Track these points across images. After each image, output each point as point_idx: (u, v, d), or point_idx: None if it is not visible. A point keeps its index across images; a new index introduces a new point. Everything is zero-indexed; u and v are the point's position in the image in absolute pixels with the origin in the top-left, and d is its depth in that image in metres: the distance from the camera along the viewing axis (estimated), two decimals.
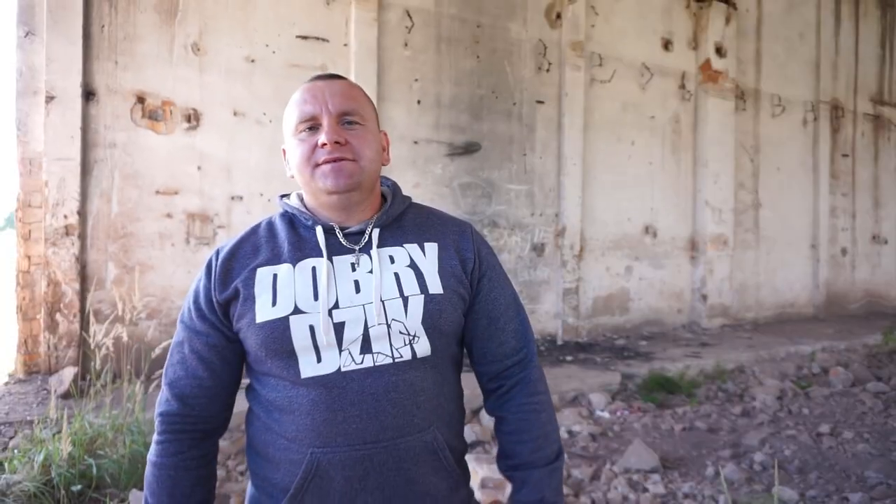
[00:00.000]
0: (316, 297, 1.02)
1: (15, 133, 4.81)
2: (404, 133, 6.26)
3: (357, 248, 1.08)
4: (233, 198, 5.46)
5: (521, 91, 6.99)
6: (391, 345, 1.02)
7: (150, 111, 5.16)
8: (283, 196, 1.20)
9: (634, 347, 6.92)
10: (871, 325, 8.67)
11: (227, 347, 1.08)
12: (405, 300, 1.04)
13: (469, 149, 6.67)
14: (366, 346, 1.01)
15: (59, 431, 3.28)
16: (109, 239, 5.01)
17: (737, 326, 8.43)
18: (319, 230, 1.09)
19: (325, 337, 1.00)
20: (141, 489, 3.04)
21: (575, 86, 7.18)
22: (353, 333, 1.01)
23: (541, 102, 7.09)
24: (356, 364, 1.01)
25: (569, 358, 6.28)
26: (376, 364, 1.01)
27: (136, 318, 4.34)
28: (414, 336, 1.03)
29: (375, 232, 1.10)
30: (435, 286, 1.07)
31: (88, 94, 4.94)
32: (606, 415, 4.94)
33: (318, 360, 1.01)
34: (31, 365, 4.81)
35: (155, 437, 1.10)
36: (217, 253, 1.13)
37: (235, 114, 5.48)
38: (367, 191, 1.12)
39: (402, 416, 1.01)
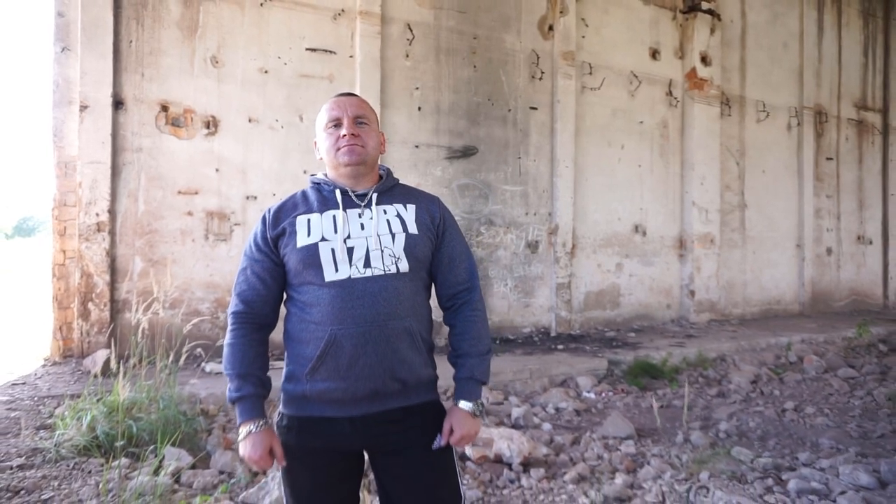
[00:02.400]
0: (335, 232, 1.57)
1: (52, 139, 5.29)
2: (406, 137, 6.72)
3: (363, 204, 1.62)
4: (248, 197, 5.93)
5: (516, 98, 7.45)
6: (383, 262, 1.56)
7: (172, 118, 5.65)
8: (312, 174, 1.72)
9: (623, 339, 7.34)
10: (854, 322, 9.02)
11: (275, 269, 1.62)
12: (393, 235, 1.59)
13: (467, 152, 7.13)
14: (367, 263, 1.55)
15: (101, 399, 3.75)
16: (136, 235, 5.48)
17: (723, 321, 8.83)
18: (338, 192, 1.63)
19: (341, 255, 1.54)
20: (174, 446, 3.48)
21: (566, 93, 7.64)
22: (359, 254, 1.55)
23: (534, 109, 7.56)
24: (361, 273, 1.54)
25: (560, 347, 6.71)
26: (374, 274, 1.55)
27: (162, 307, 4.82)
28: (398, 258, 1.57)
29: (375, 195, 1.64)
30: (413, 229, 1.61)
31: (118, 104, 5.43)
32: (592, 395, 5.37)
33: (336, 270, 1.54)
34: (65, 349, 5.27)
35: (228, 329, 1.62)
36: (269, 210, 1.66)
37: (250, 120, 5.96)
38: (370, 167, 1.67)
39: (389, 307, 1.53)
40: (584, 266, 7.92)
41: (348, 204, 1.61)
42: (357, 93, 6.29)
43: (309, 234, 1.56)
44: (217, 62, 5.83)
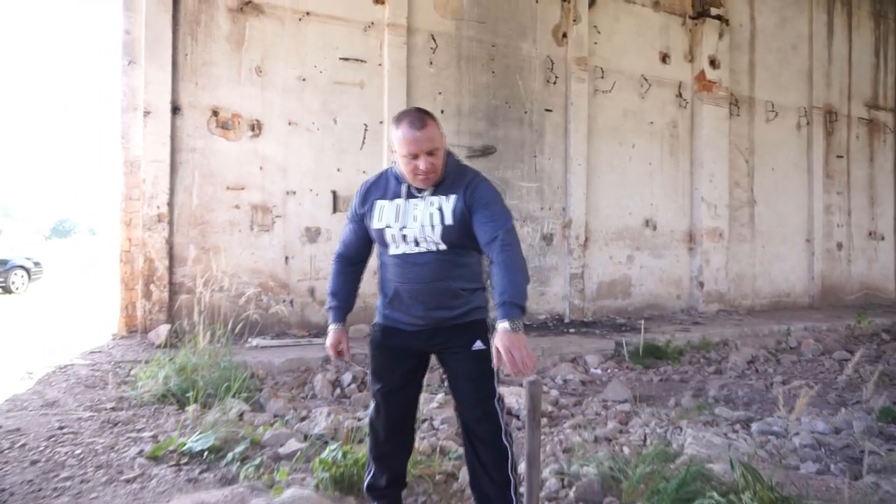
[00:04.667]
0: (396, 220, 2.21)
1: (119, 141, 6.03)
2: None
3: (420, 196, 2.20)
4: (288, 192, 6.60)
5: (532, 101, 8.01)
6: (427, 244, 2.19)
7: (222, 122, 6.34)
8: (393, 163, 2.31)
9: (633, 325, 7.82)
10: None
11: (363, 229, 2.34)
12: (432, 226, 2.17)
13: (486, 151, 7.72)
14: (416, 244, 2.19)
15: (172, 359, 4.42)
16: (191, 226, 6.19)
17: (732, 312, 9.25)
18: (404, 186, 2.23)
19: (399, 239, 2.21)
20: (234, 397, 4.13)
21: (579, 96, 8.18)
22: (410, 238, 2.20)
23: (549, 111, 8.11)
24: (412, 250, 2.20)
25: (572, 331, 7.24)
26: (421, 252, 2.19)
27: (215, 289, 5.51)
28: (438, 242, 2.18)
29: (430, 190, 2.20)
30: (449, 220, 2.16)
31: (175, 109, 6.14)
32: (598, 371, 5.89)
33: (396, 247, 2.22)
34: (130, 326, 6.00)
35: (333, 263, 2.44)
36: (364, 186, 2.34)
37: (290, 123, 6.64)
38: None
39: (432, 273, 2.19)
40: (596, 258, 8.43)
41: (409, 195, 2.22)
42: (385, 98, 6.94)
43: (380, 220, 2.23)
44: (261, 72, 6.52)
